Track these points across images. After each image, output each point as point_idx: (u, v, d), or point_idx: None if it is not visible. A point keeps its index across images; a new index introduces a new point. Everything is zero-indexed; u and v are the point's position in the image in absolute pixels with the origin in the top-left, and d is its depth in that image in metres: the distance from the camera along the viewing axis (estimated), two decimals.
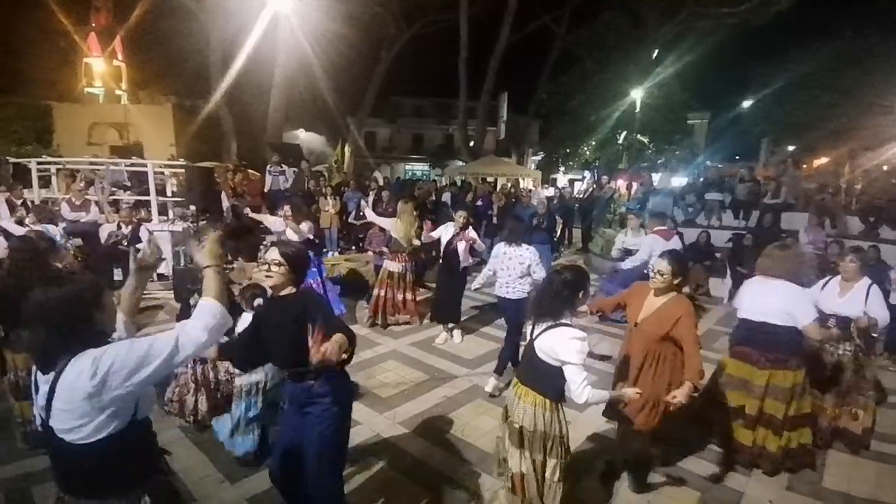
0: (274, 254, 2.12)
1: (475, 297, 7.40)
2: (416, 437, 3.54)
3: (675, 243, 5.65)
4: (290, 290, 2.18)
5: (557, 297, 2.27)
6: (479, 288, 4.91)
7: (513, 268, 4.34)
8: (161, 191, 7.89)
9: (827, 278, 3.63)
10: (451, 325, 5.57)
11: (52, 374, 1.37)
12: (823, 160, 19.62)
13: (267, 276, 2.12)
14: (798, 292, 2.97)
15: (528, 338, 2.35)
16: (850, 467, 3.30)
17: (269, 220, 5.92)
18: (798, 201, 10.48)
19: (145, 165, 7.65)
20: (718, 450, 3.29)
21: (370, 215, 6.41)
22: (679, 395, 2.41)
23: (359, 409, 3.89)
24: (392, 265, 5.91)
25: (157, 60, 16.22)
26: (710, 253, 8.38)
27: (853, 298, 3.39)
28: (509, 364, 4.28)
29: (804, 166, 19.78)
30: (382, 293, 5.90)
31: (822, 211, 8.99)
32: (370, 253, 6.86)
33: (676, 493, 2.94)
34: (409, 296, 5.97)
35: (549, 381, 2.25)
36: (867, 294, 3.35)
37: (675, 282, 2.70)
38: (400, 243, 5.85)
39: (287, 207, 5.72)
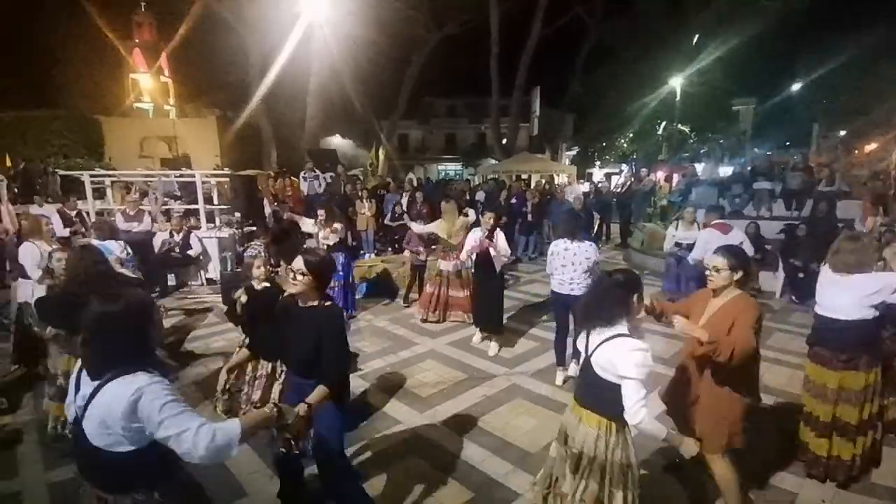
0: (299, 263, 2.21)
1: (513, 295, 7.36)
2: (456, 435, 3.55)
3: (734, 237, 5.37)
4: (314, 301, 2.28)
5: (609, 299, 2.09)
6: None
7: (578, 263, 4.23)
8: (208, 199, 8.27)
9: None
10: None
11: (97, 382, 1.47)
12: (874, 146, 18.43)
13: (293, 284, 2.24)
14: (874, 277, 2.80)
15: (582, 352, 2.20)
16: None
17: (304, 222, 6.18)
18: (852, 188, 9.83)
19: (193, 176, 8.04)
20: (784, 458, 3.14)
21: (416, 228, 6.55)
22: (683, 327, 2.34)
23: (399, 409, 3.95)
24: (443, 264, 6.01)
25: (200, 75, 17.01)
26: (759, 245, 7.97)
27: None
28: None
29: (856, 152, 18.59)
30: (433, 290, 6.01)
31: (877, 199, 8.40)
32: (407, 253, 6.93)
33: None
34: (461, 293, 5.98)
35: (613, 401, 2.01)
36: None
37: (735, 277, 2.43)
38: (450, 243, 5.90)
39: (321, 211, 5.95)
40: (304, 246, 6.97)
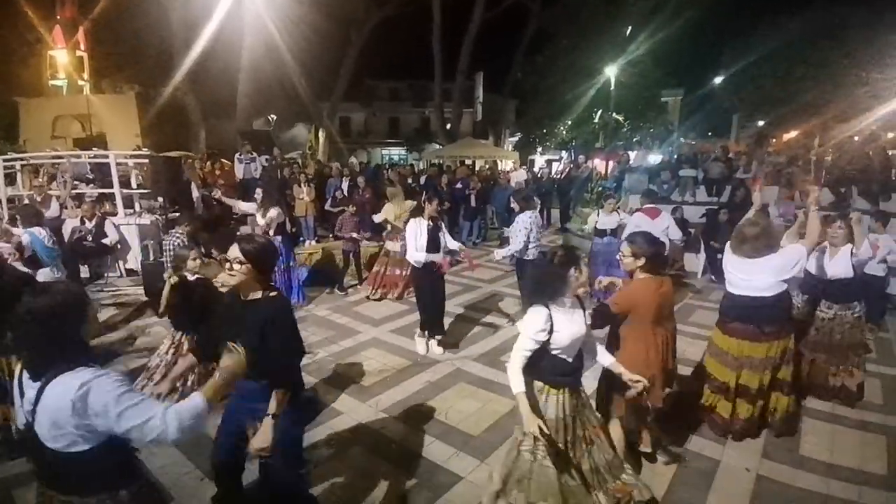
0: (235, 251, 2.00)
1: (457, 280, 7.40)
2: (400, 423, 3.53)
3: (663, 221, 5.66)
4: (257, 293, 2.09)
5: (551, 278, 2.24)
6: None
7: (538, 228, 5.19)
8: (125, 183, 7.59)
9: (821, 245, 3.69)
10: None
11: (39, 383, 1.40)
12: (793, 134, 19.99)
13: (230, 275, 2.03)
14: (783, 252, 3.06)
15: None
16: (831, 436, 3.36)
17: (241, 205, 5.91)
18: (768, 176, 10.70)
19: (107, 157, 7.32)
20: (695, 422, 3.37)
21: (377, 218, 6.78)
22: None
23: (341, 399, 3.87)
24: (391, 245, 6.41)
25: (119, 48, 15.59)
26: (684, 229, 8.51)
27: (839, 261, 3.58)
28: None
29: (773, 141, 20.18)
30: (379, 269, 6.43)
31: (791, 184, 9.20)
32: (343, 241, 6.82)
33: (654, 466, 3.00)
34: (399, 272, 6.40)
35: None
36: (851, 256, 3.56)
37: (638, 264, 2.68)
38: (397, 226, 6.25)
39: (259, 191, 5.72)
40: (239, 232, 6.64)
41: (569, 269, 2.23)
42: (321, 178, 10.28)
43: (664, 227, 5.61)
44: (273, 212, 5.53)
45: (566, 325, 2.23)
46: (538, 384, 2.29)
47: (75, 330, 1.47)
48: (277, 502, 2.35)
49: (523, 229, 4.98)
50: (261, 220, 5.56)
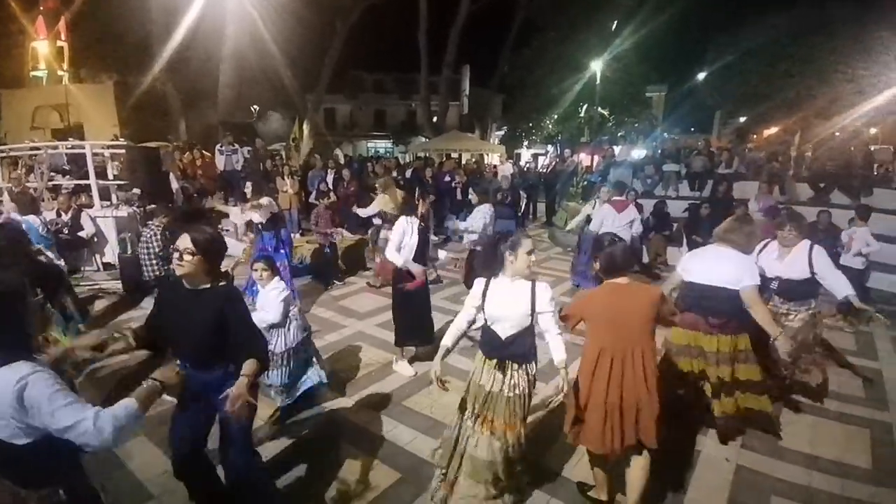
0: (185, 241, 1.96)
1: (441, 274, 7.37)
2: (384, 417, 3.51)
3: (628, 215, 5.70)
4: (206, 283, 2.05)
5: (488, 254, 2.51)
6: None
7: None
8: (102, 174, 7.37)
9: (764, 241, 3.65)
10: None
11: None
12: (774, 130, 20.26)
13: (178, 266, 1.98)
14: (748, 259, 3.10)
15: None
16: (811, 428, 3.40)
17: (232, 213, 5.79)
18: (749, 170, 10.88)
19: (83, 147, 7.10)
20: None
21: (362, 213, 6.82)
22: None
23: (325, 392, 3.82)
24: (387, 233, 6.23)
25: (98, 36, 15.15)
26: (667, 223, 8.62)
27: (795, 261, 3.45)
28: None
29: (754, 137, 20.48)
30: (381, 258, 6.35)
31: (772, 179, 9.36)
32: (317, 234, 6.77)
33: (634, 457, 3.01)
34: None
35: None
36: (810, 256, 3.39)
37: (596, 268, 2.56)
38: (395, 215, 6.01)
39: (249, 185, 5.58)
40: (221, 224, 6.52)
41: (503, 250, 2.37)
42: (306, 170, 10.15)
43: (629, 220, 5.66)
44: (264, 199, 5.38)
45: (499, 300, 2.40)
46: (478, 351, 2.57)
47: (13, 324, 1.43)
48: (240, 492, 2.31)
49: (482, 218, 5.27)
50: (255, 216, 5.40)
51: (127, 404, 1.53)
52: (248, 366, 1.96)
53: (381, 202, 6.56)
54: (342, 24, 18.86)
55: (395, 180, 9.54)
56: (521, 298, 2.39)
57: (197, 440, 2.24)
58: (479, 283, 2.50)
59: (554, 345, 2.43)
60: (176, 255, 1.97)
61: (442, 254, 4.96)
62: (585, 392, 2.40)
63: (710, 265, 3.09)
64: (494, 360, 2.45)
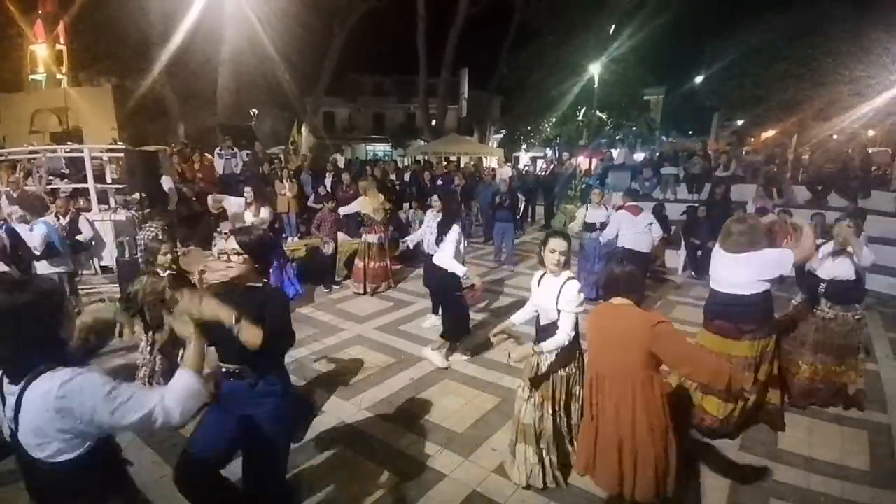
0: (233, 243, 1.99)
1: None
2: (383, 421, 3.50)
3: (645, 218, 5.70)
4: (256, 281, 2.06)
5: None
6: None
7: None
8: (100, 177, 7.36)
9: (822, 242, 3.64)
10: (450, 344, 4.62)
11: (19, 386, 1.32)
12: (772, 133, 20.29)
13: (228, 268, 1.98)
14: (766, 255, 3.06)
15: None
16: (808, 430, 3.39)
17: (229, 202, 5.78)
18: (746, 173, 10.93)
19: (81, 151, 7.09)
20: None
21: (343, 211, 6.79)
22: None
23: (323, 397, 3.82)
24: (370, 237, 6.44)
25: (97, 40, 15.18)
26: (665, 226, 8.63)
27: (843, 261, 3.46)
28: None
29: (751, 139, 20.52)
30: (361, 264, 6.47)
31: (769, 182, 9.40)
32: (319, 238, 6.75)
33: None
34: (384, 263, 6.62)
35: None
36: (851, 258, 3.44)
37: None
38: (373, 217, 6.33)
39: (249, 189, 5.62)
40: (219, 228, 6.51)
41: (545, 247, 2.67)
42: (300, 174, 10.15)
43: (646, 223, 5.65)
44: (265, 212, 5.46)
45: (540, 291, 2.75)
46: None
47: (52, 329, 1.40)
48: None
49: (453, 242, 4.46)
50: (251, 219, 5.44)
51: (186, 379, 1.51)
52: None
53: (361, 203, 6.53)
54: (341, 28, 18.90)
55: (381, 183, 9.59)
56: (552, 292, 2.63)
57: (220, 448, 2.11)
58: (536, 273, 2.84)
59: (553, 338, 2.56)
60: (224, 258, 1.98)
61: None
62: (587, 419, 2.36)
63: (728, 273, 3.11)
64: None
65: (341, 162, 13.35)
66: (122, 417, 1.35)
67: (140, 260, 4.58)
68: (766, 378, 3.18)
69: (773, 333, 3.17)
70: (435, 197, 4.96)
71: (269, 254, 2.16)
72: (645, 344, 2.10)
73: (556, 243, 2.63)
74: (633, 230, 5.59)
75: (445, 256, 4.25)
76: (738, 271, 3.05)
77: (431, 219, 4.79)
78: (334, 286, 6.79)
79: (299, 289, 5.96)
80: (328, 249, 6.58)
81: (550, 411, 2.71)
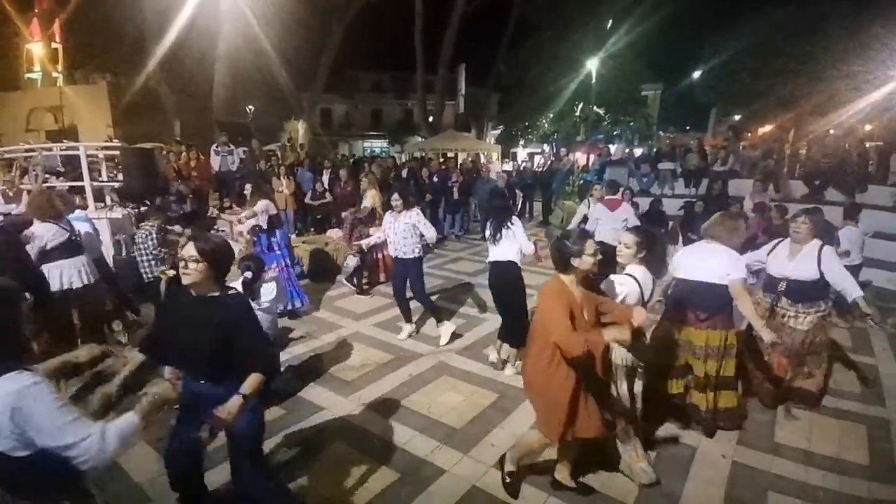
0: (190, 249, 1.95)
1: (439, 273, 7.38)
2: (382, 418, 3.50)
3: (623, 213, 5.67)
4: (214, 291, 2.03)
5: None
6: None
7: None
8: (97, 175, 7.33)
9: (775, 241, 3.58)
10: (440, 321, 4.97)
11: None
12: (769, 128, 20.31)
13: (184, 274, 1.96)
14: (734, 254, 3.11)
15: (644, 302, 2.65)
16: (807, 424, 3.40)
17: (242, 223, 5.62)
18: (743, 168, 10.93)
19: (77, 149, 7.05)
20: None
21: (367, 203, 6.84)
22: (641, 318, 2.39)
23: (322, 394, 3.82)
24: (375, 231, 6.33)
25: (92, 37, 15.12)
26: (662, 221, 8.63)
27: (804, 261, 3.32)
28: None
29: (748, 135, 20.51)
30: (381, 255, 6.59)
31: (766, 177, 9.40)
32: (351, 244, 6.67)
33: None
34: (382, 255, 6.67)
35: None
36: (819, 257, 3.27)
37: (640, 255, 2.74)
38: (380, 211, 6.50)
39: (248, 186, 5.56)
40: (217, 226, 6.48)
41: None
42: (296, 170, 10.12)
43: (623, 218, 5.59)
44: (260, 204, 5.32)
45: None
46: None
47: (6, 329, 1.40)
48: None
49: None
50: (254, 222, 5.37)
51: (130, 419, 1.52)
52: (249, 382, 1.95)
53: (373, 197, 6.69)
54: (338, 24, 18.82)
55: (389, 180, 9.56)
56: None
57: (191, 458, 2.21)
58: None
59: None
60: (182, 263, 1.96)
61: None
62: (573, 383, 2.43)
63: (698, 261, 3.15)
64: None
65: (336, 156, 13.30)
66: (60, 437, 1.35)
67: (139, 259, 4.57)
68: (728, 373, 3.14)
69: (731, 328, 3.13)
70: (396, 195, 4.72)
71: (228, 261, 2.10)
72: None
73: (590, 245, 2.37)
74: (610, 224, 5.51)
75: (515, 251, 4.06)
76: (706, 258, 3.09)
77: (393, 220, 4.71)
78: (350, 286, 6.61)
79: (305, 301, 5.68)
80: (352, 262, 6.45)
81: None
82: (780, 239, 3.59)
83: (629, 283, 2.67)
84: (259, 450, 2.28)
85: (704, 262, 3.10)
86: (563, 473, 2.73)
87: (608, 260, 2.54)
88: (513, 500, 2.67)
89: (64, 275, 4.04)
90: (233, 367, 2.00)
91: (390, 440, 3.23)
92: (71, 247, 4.11)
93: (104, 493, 1.85)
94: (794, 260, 3.40)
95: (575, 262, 2.35)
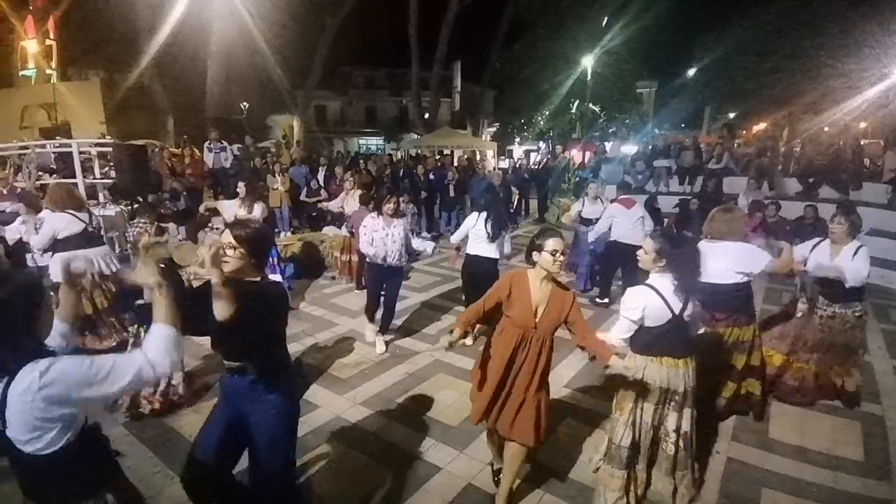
0: (228, 236, 1.93)
1: (434, 271, 7.37)
2: (378, 416, 3.49)
3: (637, 211, 5.70)
4: (254, 276, 1.99)
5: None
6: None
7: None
8: (89, 172, 7.27)
9: (817, 240, 3.57)
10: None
11: (2, 383, 1.31)
12: (763, 126, 20.41)
13: (224, 262, 1.90)
14: (746, 247, 3.11)
15: (672, 315, 2.38)
16: (800, 420, 3.41)
17: (222, 206, 5.68)
18: (738, 166, 10.98)
19: (70, 146, 6.99)
20: None
21: (331, 205, 6.71)
22: (618, 366, 2.32)
23: (318, 392, 3.81)
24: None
25: (85, 33, 15.00)
26: (657, 218, 8.65)
27: (841, 262, 3.32)
28: None
29: (743, 133, 20.62)
30: (356, 258, 6.33)
31: (761, 174, 9.45)
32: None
33: None
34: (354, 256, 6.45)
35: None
36: (854, 257, 3.29)
37: (659, 263, 2.44)
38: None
39: (242, 185, 5.52)
40: (211, 223, 6.44)
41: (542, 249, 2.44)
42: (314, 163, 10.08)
43: (638, 216, 5.64)
44: (258, 209, 5.35)
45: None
46: None
47: (33, 322, 1.39)
48: None
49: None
50: (244, 215, 5.34)
51: (163, 331, 1.50)
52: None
53: (357, 198, 6.52)
54: (332, 20, 18.70)
55: (386, 178, 9.53)
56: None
57: (227, 447, 2.08)
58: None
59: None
60: (219, 252, 1.87)
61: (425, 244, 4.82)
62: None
63: (708, 262, 3.06)
64: None
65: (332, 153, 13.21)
66: (113, 383, 1.37)
67: (132, 256, 4.54)
68: (742, 367, 3.20)
69: (751, 323, 3.20)
70: (391, 198, 4.44)
71: (266, 248, 2.08)
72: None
73: (556, 242, 2.33)
74: (626, 223, 5.58)
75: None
76: (714, 260, 3.05)
77: (386, 226, 4.39)
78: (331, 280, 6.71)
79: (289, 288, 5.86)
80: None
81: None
82: (822, 238, 3.56)
83: (645, 294, 2.40)
84: (291, 467, 2.22)
85: (714, 263, 3.03)
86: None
87: (623, 259, 2.55)
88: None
89: (73, 265, 4.01)
90: (273, 357, 2.02)
91: (386, 438, 3.22)
92: (88, 237, 4.14)
93: None
94: (833, 261, 3.37)
95: (535, 256, 2.38)
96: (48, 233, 3.98)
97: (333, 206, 6.76)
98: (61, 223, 4.00)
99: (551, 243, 2.32)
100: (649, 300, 2.38)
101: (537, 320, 2.36)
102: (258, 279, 2.00)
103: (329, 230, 7.81)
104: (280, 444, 2.06)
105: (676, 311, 2.36)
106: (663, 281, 2.41)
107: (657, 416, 2.50)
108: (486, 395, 2.43)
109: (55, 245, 4.01)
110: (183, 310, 1.61)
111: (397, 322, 5.34)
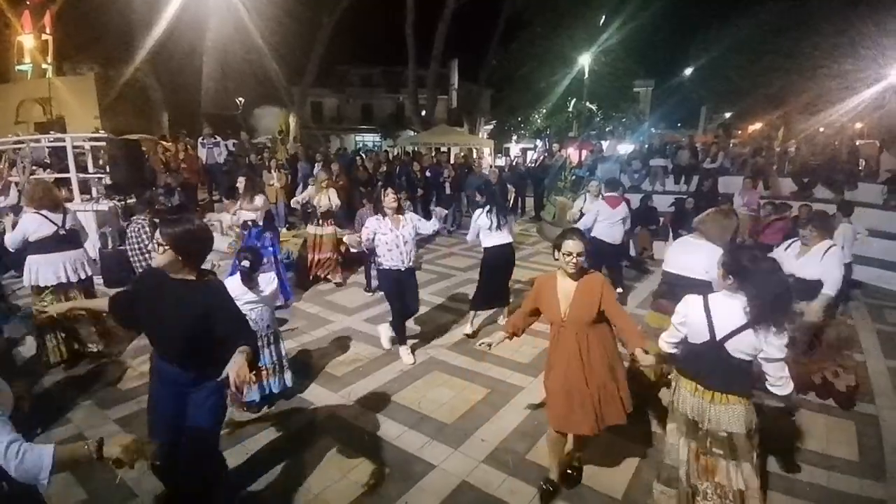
0: (157, 233, 1.99)
1: (431, 269, 7.35)
2: (372, 413, 3.47)
3: (621, 211, 5.72)
4: (187, 275, 2.02)
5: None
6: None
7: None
8: (83, 167, 7.20)
9: (791, 240, 3.69)
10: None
11: None
12: (758, 125, 20.46)
13: (156, 256, 2.02)
14: (718, 252, 3.09)
15: (710, 338, 2.09)
16: (796, 420, 3.36)
17: (224, 219, 5.65)
18: (733, 165, 11.00)
19: (63, 140, 6.91)
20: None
21: (293, 201, 6.74)
22: (644, 360, 2.32)
23: (312, 390, 3.79)
24: (324, 230, 6.31)
25: (80, 28, 14.90)
26: (653, 217, 8.67)
27: (810, 261, 3.45)
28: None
29: (738, 132, 20.67)
30: (315, 256, 6.35)
31: (756, 174, 9.47)
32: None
33: (618, 448, 3.04)
34: (330, 255, 6.39)
35: (747, 378, 2.10)
36: (823, 256, 3.42)
37: (728, 282, 2.19)
38: (330, 211, 6.29)
39: (242, 180, 5.48)
40: (207, 218, 6.39)
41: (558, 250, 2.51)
42: (293, 163, 10.03)
43: (620, 217, 5.70)
44: (259, 200, 5.29)
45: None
46: None
47: None
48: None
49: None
50: (247, 214, 5.28)
51: (44, 453, 1.40)
52: (242, 351, 1.90)
53: (313, 194, 6.37)
54: (328, 17, 18.61)
55: (379, 176, 9.47)
56: None
57: (175, 431, 2.15)
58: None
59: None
60: (156, 245, 2.00)
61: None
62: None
63: (683, 255, 3.17)
64: None
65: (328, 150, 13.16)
66: None
67: (131, 252, 4.50)
68: None
69: None
70: (391, 194, 4.15)
71: (195, 248, 2.03)
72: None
73: (571, 245, 2.39)
74: (607, 221, 5.62)
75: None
76: (693, 253, 3.09)
77: (394, 227, 4.09)
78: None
79: (291, 295, 5.62)
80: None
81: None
82: (795, 238, 3.71)
83: (692, 304, 2.17)
84: (216, 445, 2.30)
85: (689, 256, 3.10)
86: (552, 471, 2.69)
87: (602, 256, 2.57)
88: (504, 497, 2.65)
89: (41, 270, 3.90)
90: (204, 355, 2.01)
91: (380, 435, 3.21)
92: (59, 240, 3.95)
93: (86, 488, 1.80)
94: (802, 259, 3.52)
95: (555, 254, 2.52)
96: (19, 234, 3.87)
97: (294, 201, 6.73)
98: (32, 225, 3.87)
99: (566, 245, 2.43)
100: (692, 311, 2.16)
101: (564, 314, 2.45)
102: (191, 278, 2.03)
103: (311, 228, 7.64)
104: (209, 432, 2.16)
105: (718, 336, 2.06)
106: (725, 300, 2.11)
107: (693, 456, 2.20)
108: (557, 401, 2.50)
109: (27, 247, 3.90)
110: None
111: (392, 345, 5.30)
